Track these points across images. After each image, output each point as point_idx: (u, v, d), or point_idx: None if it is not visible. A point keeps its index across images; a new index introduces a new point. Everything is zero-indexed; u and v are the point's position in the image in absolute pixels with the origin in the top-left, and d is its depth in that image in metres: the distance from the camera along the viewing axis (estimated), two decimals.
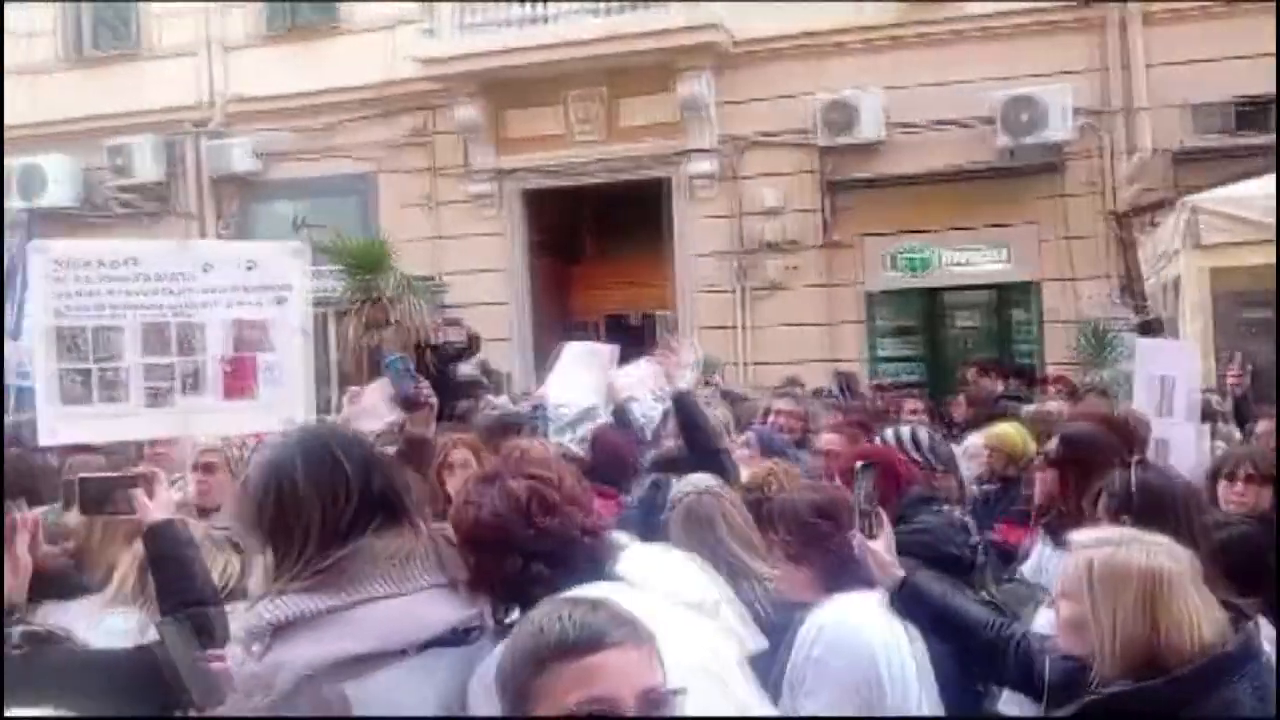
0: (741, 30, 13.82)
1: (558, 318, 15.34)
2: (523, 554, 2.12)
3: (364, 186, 15.21)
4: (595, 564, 2.16)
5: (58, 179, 15.47)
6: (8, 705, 1.42)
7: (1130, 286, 9.72)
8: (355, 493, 2.11)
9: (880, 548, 2.83)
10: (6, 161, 15.56)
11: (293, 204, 15.35)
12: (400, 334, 9.68)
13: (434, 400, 3.58)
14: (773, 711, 2.32)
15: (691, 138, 14.09)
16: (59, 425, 3.81)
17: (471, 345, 9.61)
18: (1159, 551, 2.29)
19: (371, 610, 2.02)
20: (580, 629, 1.50)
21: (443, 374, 8.43)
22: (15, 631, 2.19)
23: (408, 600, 2.06)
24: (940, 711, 2.78)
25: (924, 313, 14.35)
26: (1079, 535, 2.43)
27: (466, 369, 9.00)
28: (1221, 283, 7.59)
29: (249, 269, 3.87)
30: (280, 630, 1.97)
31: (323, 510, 2.08)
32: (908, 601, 2.79)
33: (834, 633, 2.69)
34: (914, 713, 2.69)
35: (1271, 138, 10.91)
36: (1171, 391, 5.06)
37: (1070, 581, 2.34)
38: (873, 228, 13.85)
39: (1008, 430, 5.72)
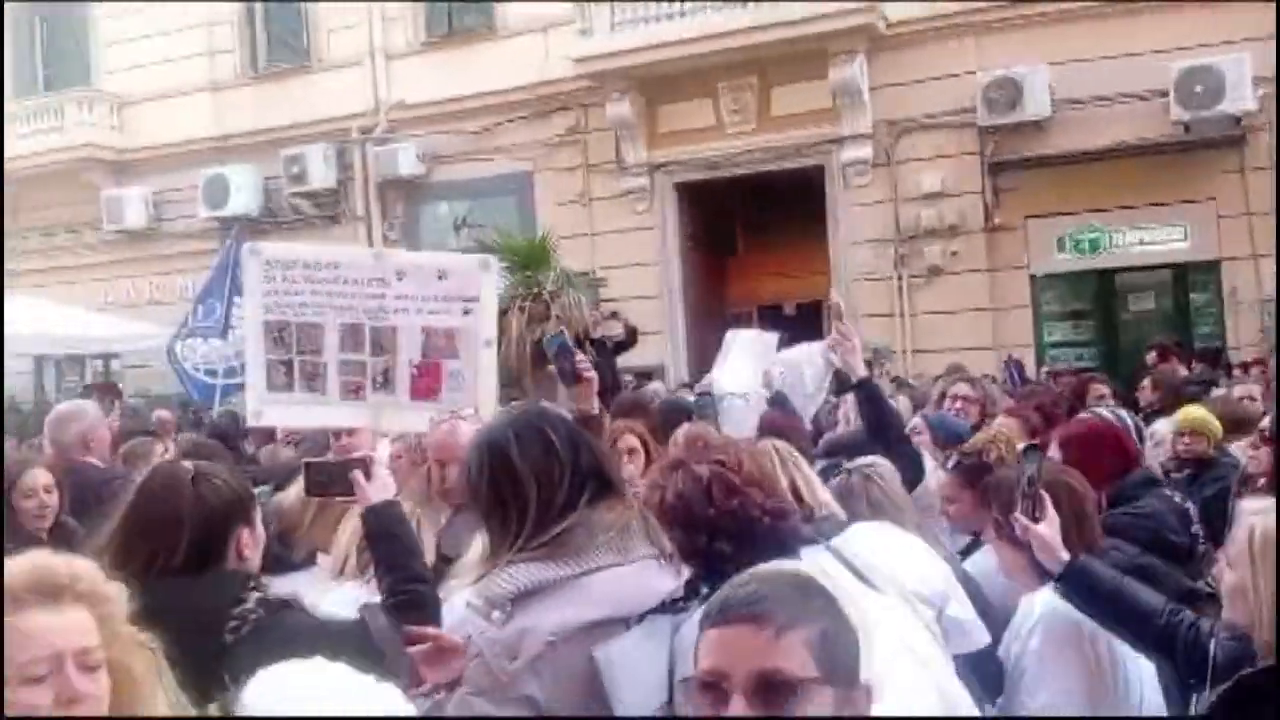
0: (895, 10, 13.56)
1: (712, 310, 15.39)
2: (707, 533, 2.26)
3: (521, 185, 15.59)
4: (779, 544, 2.27)
5: (240, 188, 16.42)
6: (247, 670, 1.56)
7: None
8: (567, 468, 2.21)
9: (1044, 531, 2.75)
10: (195, 173, 16.63)
11: (454, 205, 15.89)
12: (561, 328, 9.85)
13: (593, 374, 3.66)
14: (974, 711, 2.32)
15: (846, 124, 13.89)
16: (264, 409, 4.11)
17: (630, 338, 9.75)
18: None
19: (601, 579, 2.12)
20: (722, 600, 1.51)
21: (602, 366, 8.58)
22: (251, 597, 2.33)
23: (630, 569, 2.16)
24: (1163, 710, 2.70)
25: (1096, 296, 13.77)
26: (1247, 503, 2.36)
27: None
28: None
29: (439, 279, 4.04)
30: (520, 599, 2.07)
31: (539, 486, 2.19)
32: (1075, 586, 2.70)
33: (1052, 622, 2.66)
34: (1139, 712, 2.64)
35: None
36: None
37: (1235, 549, 2.29)
38: (1039, 209, 13.39)
39: (1202, 413, 5.49)
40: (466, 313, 3.95)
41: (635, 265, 14.67)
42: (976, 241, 13.58)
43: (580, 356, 3.84)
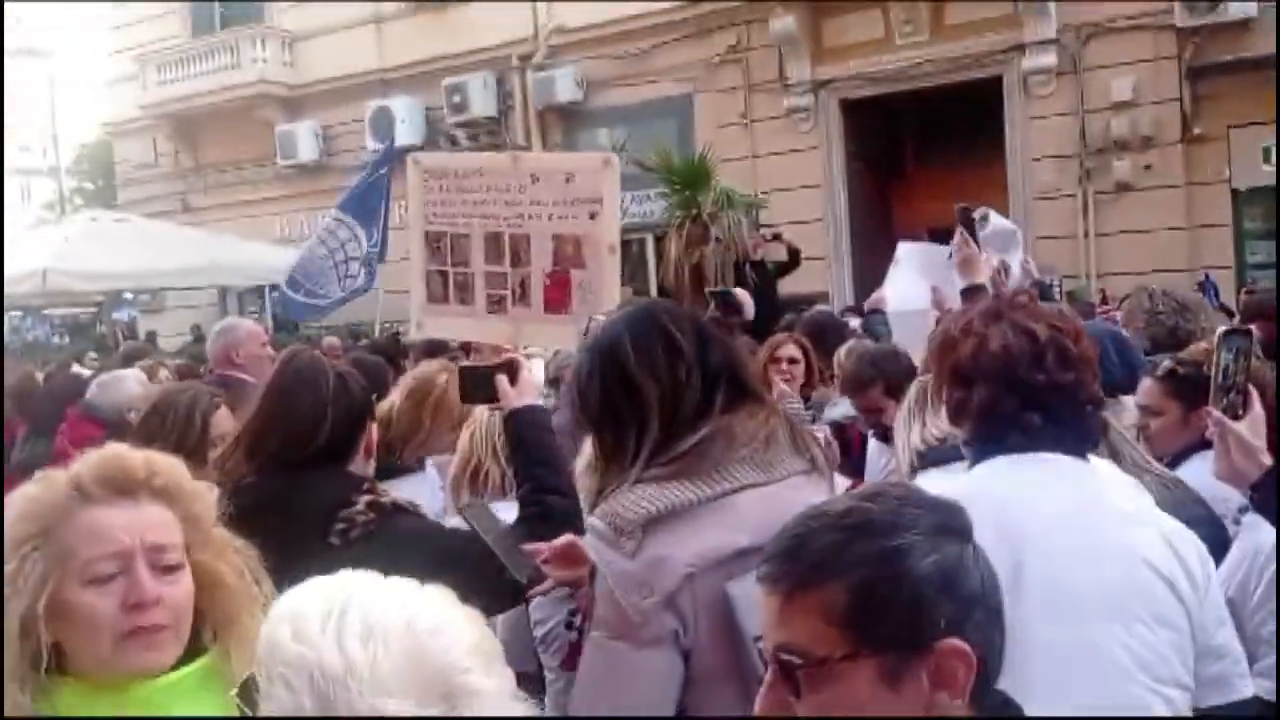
0: None
1: (878, 234, 14.77)
2: (1021, 398, 1.90)
3: (682, 108, 15.26)
4: (1085, 437, 1.96)
5: (404, 119, 16.66)
6: (357, 570, 1.27)
7: None
8: (695, 368, 1.90)
9: (1245, 430, 2.30)
10: (362, 106, 16.96)
11: (614, 130, 15.70)
12: (720, 251, 9.64)
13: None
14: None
15: (1028, 30, 12.98)
16: (425, 319, 4.09)
17: (793, 260, 9.42)
18: None
19: (742, 500, 1.82)
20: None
21: (764, 290, 8.32)
22: (361, 500, 2.19)
23: (778, 487, 1.86)
24: None
25: None
26: None
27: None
28: None
29: (567, 182, 3.87)
30: (651, 524, 1.78)
31: (660, 390, 1.89)
32: (1272, 497, 2.27)
33: None
34: None
35: None
36: None
37: None
38: (1243, 117, 12.26)
39: None
40: (593, 216, 3.79)
41: (798, 188, 14.19)
42: (1172, 154, 12.56)
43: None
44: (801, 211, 13.84)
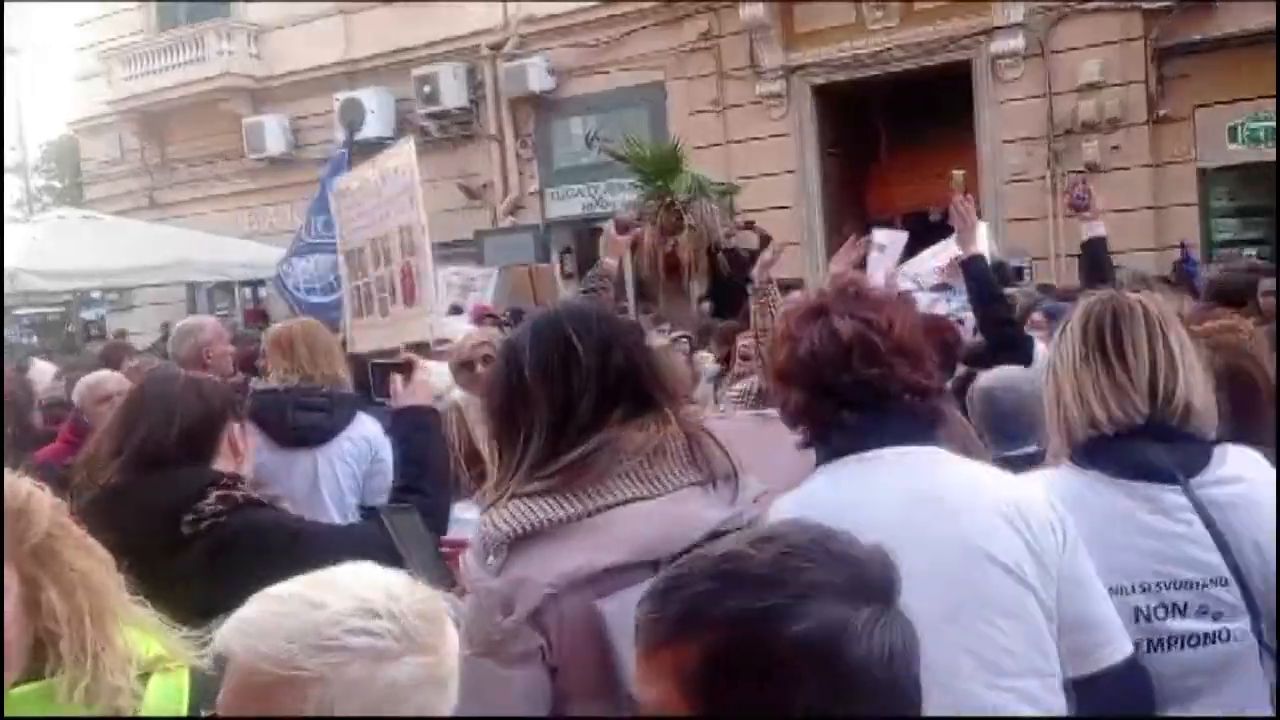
0: None
1: (852, 218, 14.83)
2: (836, 400, 1.93)
3: (654, 96, 15.24)
4: (912, 425, 1.95)
5: (374, 110, 16.54)
6: (202, 567, 1.35)
7: None
8: (591, 378, 1.81)
9: None
10: (331, 98, 16.83)
11: (586, 119, 15.68)
12: (694, 238, 9.65)
13: None
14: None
15: (996, 14, 13.07)
16: (355, 335, 4.17)
17: (765, 247, 9.46)
18: None
19: (618, 517, 1.75)
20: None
21: (735, 278, 8.36)
22: (213, 494, 2.34)
23: (662, 502, 1.78)
24: None
25: (1269, 190, 12.69)
26: None
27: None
28: None
29: (397, 174, 3.96)
30: (519, 541, 1.71)
31: (551, 399, 1.81)
32: None
33: None
34: None
35: None
36: None
37: None
38: (1208, 97, 12.40)
39: None
40: (411, 201, 3.89)
41: (772, 174, 14.23)
42: (1139, 135, 12.68)
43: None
44: (775, 197, 13.89)
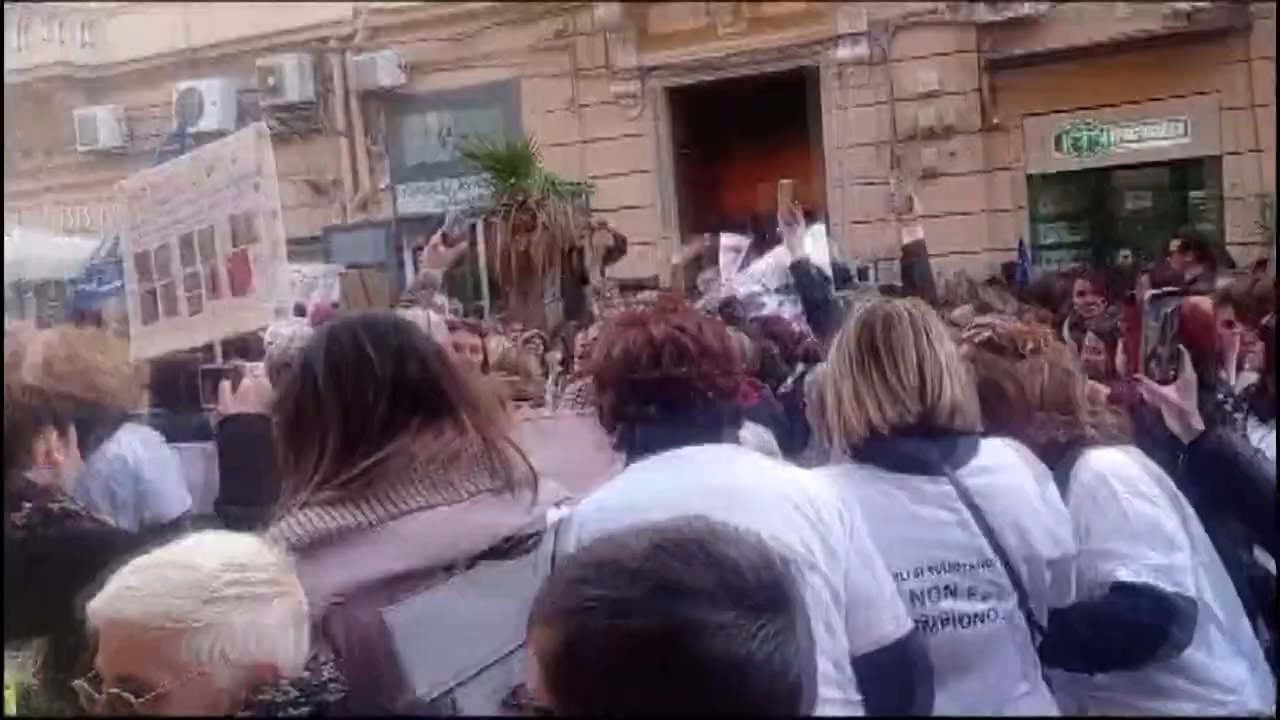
0: None
1: (706, 218, 15.09)
2: (640, 395, 2.05)
3: (507, 93, 15.15)
4: (715, 423, 2.08)
5: (214, 102, 15.94)
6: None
7: None
8: (385, 388, 1.81)
9: (1174, 394, 2.47)
10: (168, 89, 16.14)
11: (440, 115, 15.48)
12: (546, 238, 9.66)
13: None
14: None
15: (841, 22, 13.49)
16: (141, 342, 4.05)
17: (619, 247, 9.55)
18: None
19: (410, 523, 1.75)
20: None
21: (587, 278, 8.42)
22: (25, 506, 2.29)
23: (453, 510, 1.78)
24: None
25: (1091, 196, 13.54)
26: None
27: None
28: None
29: (233, 163, 3.91)
30: (305, 552, 1.67)
31: (344, 410, 1.80)
32: (1206, 457, 2.45)
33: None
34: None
35: None
36: None
37: None
38: (1036, 107, 13.10)
39: None
40: (256, 188, 3.84)
41: (627, 173, 14.35)
42: (973, 142, 13.29)
43: None
44: (630, 197, 14.01)
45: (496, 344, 6.57)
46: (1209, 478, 2.46)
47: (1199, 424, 2.45)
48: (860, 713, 1.99)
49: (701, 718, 1.03)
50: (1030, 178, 13.41)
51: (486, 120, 14.43)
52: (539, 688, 1.09)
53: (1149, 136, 12.86)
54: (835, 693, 1.96)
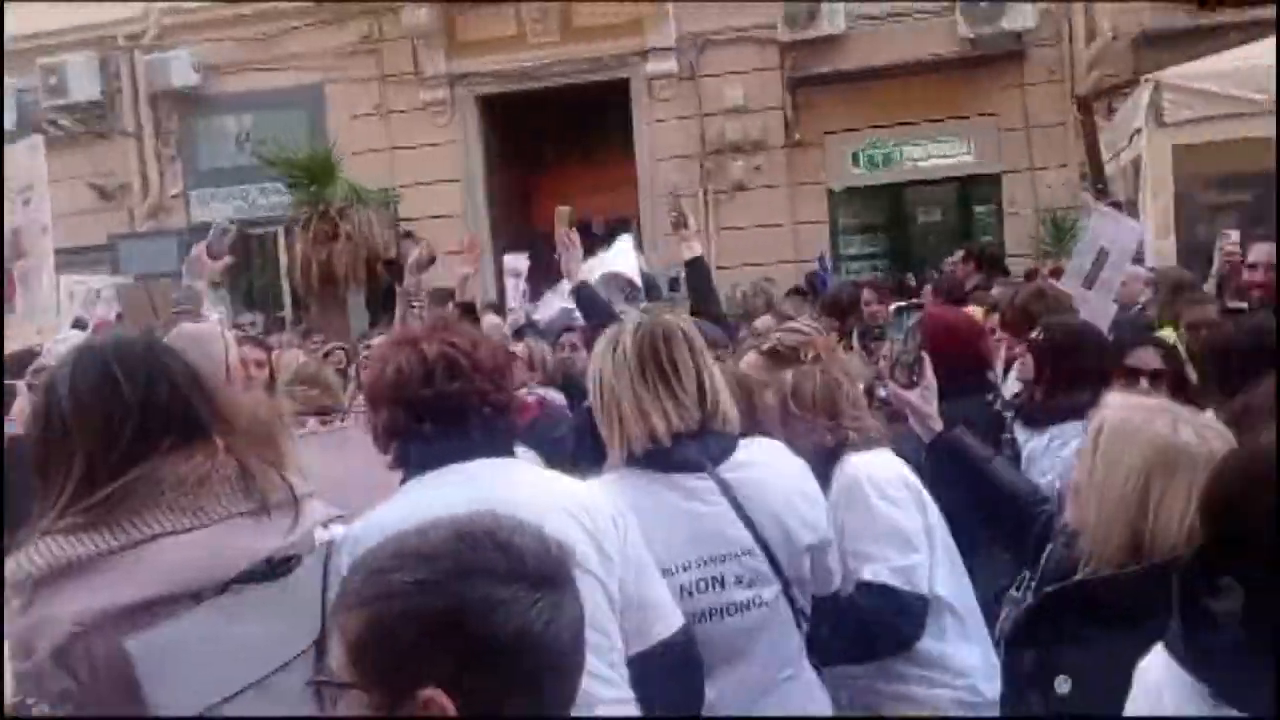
0: None
1: (521, 228, 15.05)
2: (415, 413, 2.09)
3: (311, 98, 14.69)
4: (492, 438, 2.13)
5: None
6: None
7: (1091, 172, 9.64)
8: (133, 411, 1.77)
9: (916, 398, 2.68)
10: None
11: (237, 119, 14.88)
12: (350, 248, 9.41)
13: None
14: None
15: (650, 36, 13.70)
16: None
17: (428, 257, 9.39)
18: (1187, 427, 1.91)
19: (156, 549, 1.70)
20: None
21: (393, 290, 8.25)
22: None
23: (206, 533, 1.75)
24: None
25: (888, 209, 14.24)
26: (1112, 396, 2.13)
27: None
28: (1185, 160, 7.49)
29: (8, 178, 3.78)
30: (42, 582, 1.63)
31: (90, 433, 1.76)
32: (943, 456, 2.67)
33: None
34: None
35: (1235, 16, 10.79)
36: (1103, 265, 4.99)
37: (1084, 442, 2.09)
38: (836, 125, 13.65)
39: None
40: (26, 203, 3.73)
41: (438, 182, 14.13)
42: (777, 157, 13.74)
43: None
44: (442, 206, 13.81)
45: (292, 357, 6.37)
46: (947, 475, 2.65)
47: (937, 425, 2.67)
48: (634, 711, 2.06)
49: (492, 684, 1.18)
50: (832, 192, 13.97)
51: (289, 124, 13.96)
52: (343, 669, 1.21)
53: (937, 154, 13.63)
54: (610, 691, 2.02)
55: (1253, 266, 4.91)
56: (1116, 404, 2.06)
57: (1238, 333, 3.48)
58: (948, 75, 13.00)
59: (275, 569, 1.79)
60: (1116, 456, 1.92)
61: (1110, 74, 11.27)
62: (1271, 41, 7.60)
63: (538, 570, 1.24)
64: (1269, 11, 11.01)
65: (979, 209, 13.91)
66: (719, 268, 13.55)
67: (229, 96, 14.83)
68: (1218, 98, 7.01)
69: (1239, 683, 1.41)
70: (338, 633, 1.23)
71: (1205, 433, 1.90)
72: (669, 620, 2.16)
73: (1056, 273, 9.64)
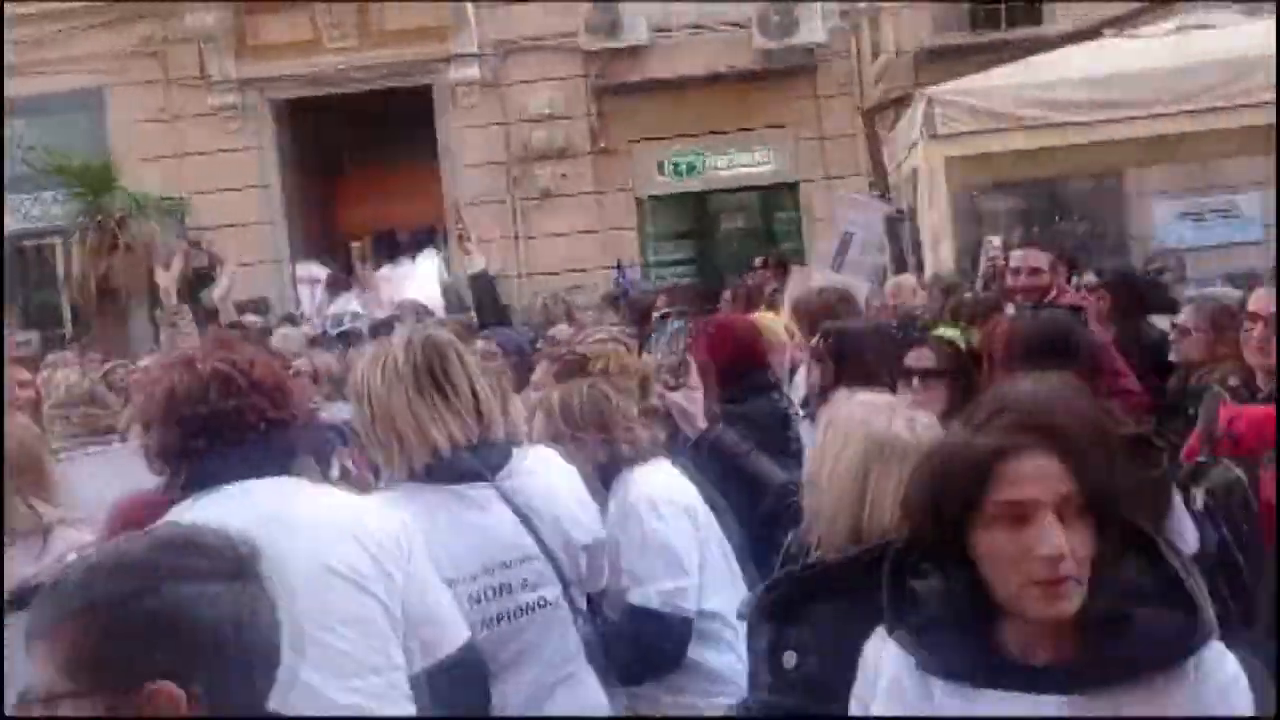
0: None
1: (320, 238, 14.63)
2: (189, 432, 2.06)
3: (94, 102, 13.88)
4: (270, 456, 2.10)
5: None
6: None
7: (876, 181, 10.14)
8: None
9: (681, 399, 2.77)
10: None
11: (12, 124, 13.87)
12: (131, 260, 8.92)
13: None
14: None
15: (453, 42, 13.57)
16: None
17: (213, 268, 9.00)
18: (901, 421, 2.05)
19: None
20: None
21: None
22: None
23: None
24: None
25: (694, 217, 14.57)
26: (840, 394, 2.30)
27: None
28: (958, 172, 7.94)
29: None
30: None
31: None
32: (706, 454, 2.77)
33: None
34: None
35: (1009, 34, 11.63)
36: (848, 247, 5.20)
37: (816, 436, 2.26)
38: (642, 133, 13.86)
39: (768, 320, 5.84)
40: None
41: (231, 190, 13.54)
42: (584, 164, 13.84)
43: None
44: (237, 214, 13.25)
45: (64, 376, 6.00)
46: (710, 471, 2.77)
47: (701, 424, 2.77)
48: None
49: (215, 675, 1.27)
50: (639, 200, 14.17)
51: (70, 130, 13.14)
52: (58, 686, 1.23)
53: (740, 163, 14.05)
54: (389, 709, 2.04)
55: (1015, 271, 5.18)
56: (842, 402, 2.22)
57: (1027, 326, 3.71)
58: (747, 87, 13.40)
59: (28, 596, 1.72)
60: (839, 449, 2.04)
61: (894, 88, 11.85)
62: (1038, 59, 8.19)
63: (236, 567, 1.33)
64: (1042, 30, 11.90)
65: (781, 216, 14.41)
66: (530, 274, 13.59)
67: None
68: (986, 112, 7.45)
69: (940, 655, 1.53)
70: (46, 651, 1.25)
71: (916, 427, 2.04)
72: (454, 636, 2.18)
73: None
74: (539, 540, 2.42)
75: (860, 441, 2.02)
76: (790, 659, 2.00)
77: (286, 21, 13.53)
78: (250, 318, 9.69)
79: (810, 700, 1.91)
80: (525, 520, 2.41)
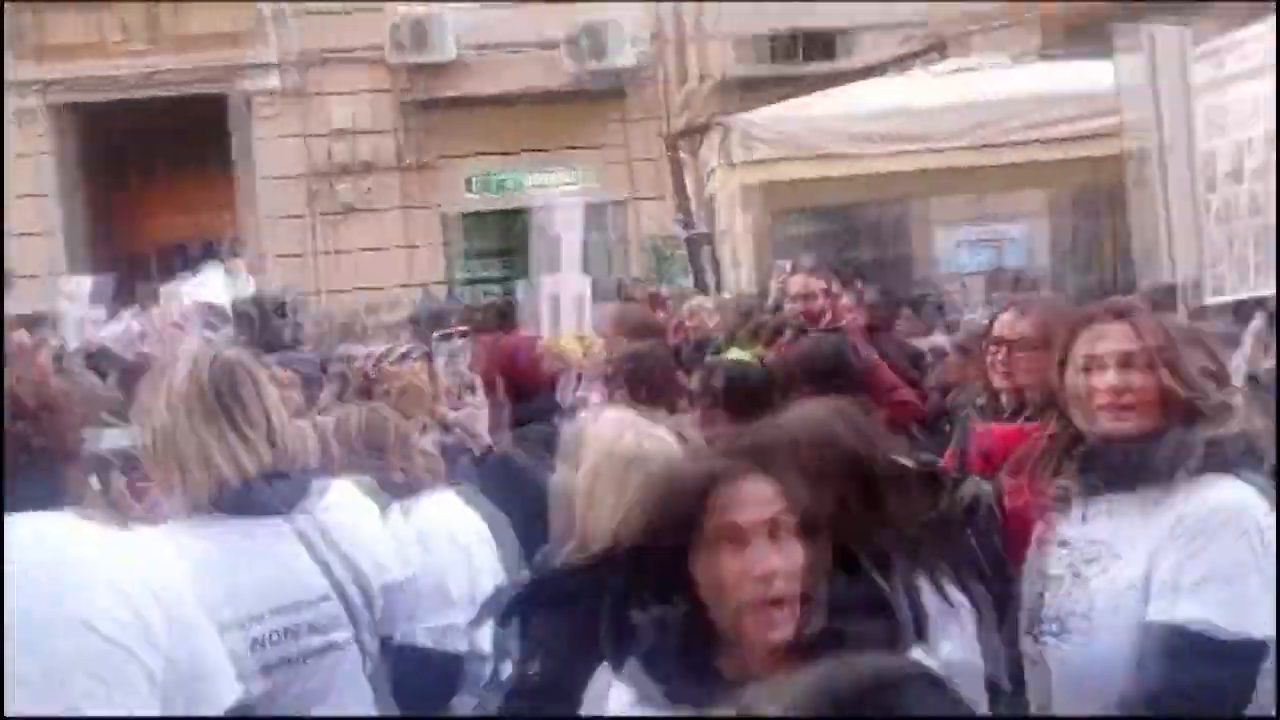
0: None
1: (103, 250, 13.79)
2: None
3: None
4: (32, 490, 1.86)
5: None
6: None
7: (680, 205, 10.39)
8: None
9: (462, 417, 2.81)
10: None
11: None
12: None
13: None
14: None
15: (250, 51, 13.11)
16: None
17: None
18: (632, 434, 2.14)
19: None
20: None
21: None
22: None
23: None
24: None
25: (507, 235, 14.48)
26: (591, 410, 2.45)
27: None
28: (757, 198, 8.20)
29: None
30: None
31: None
32: (492, 472, 2.80)
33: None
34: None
35: (810, 67, 12.16)
36: (559, 248, 5.30)
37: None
38: (453, 149, 13.76)
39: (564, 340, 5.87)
40: None
41: (11, 197, 12.63)
42: (390, 179, 13.63)
43: None
44: (14, 223, 12.37)
45: None
46: (496, 486, 2.80)
47: (485, 441, 2.78)
48: None
49: None
50: (447, 216, 14.02)
51: None
52: None
53: (550, 183, 14.08)
54: None
55: (792, 297, 5.28)
56: (590, 417, 2.34)
57: (800, 351, 3.86)
58: (558, 107, 13.49)
59: None
60: (578, 460, 2.14)
61: (697, 115, 12.17)
62: (832, 91, 8.55)
63: None
64: (836, 64, 12.46)
65: (593, 235, 14.49)
66: (329, 291, 13.21)
67: None
68: (781, 141, 7.73)
69: (664, 686, 1.51)
70: None
71: (646, 441, 2.12)
72: (223, 695, 1.97)
73: (655, 298, 10.28)
74: (333, 580, 2.29)
75: (593, 454, 2.11)
76: (532, 664, 2.06)
77: (74, 22, 12.77)
78: (21, 334, 9.05)
79: (544, 702, 1.94)
80: (319, 559, 2.28)
